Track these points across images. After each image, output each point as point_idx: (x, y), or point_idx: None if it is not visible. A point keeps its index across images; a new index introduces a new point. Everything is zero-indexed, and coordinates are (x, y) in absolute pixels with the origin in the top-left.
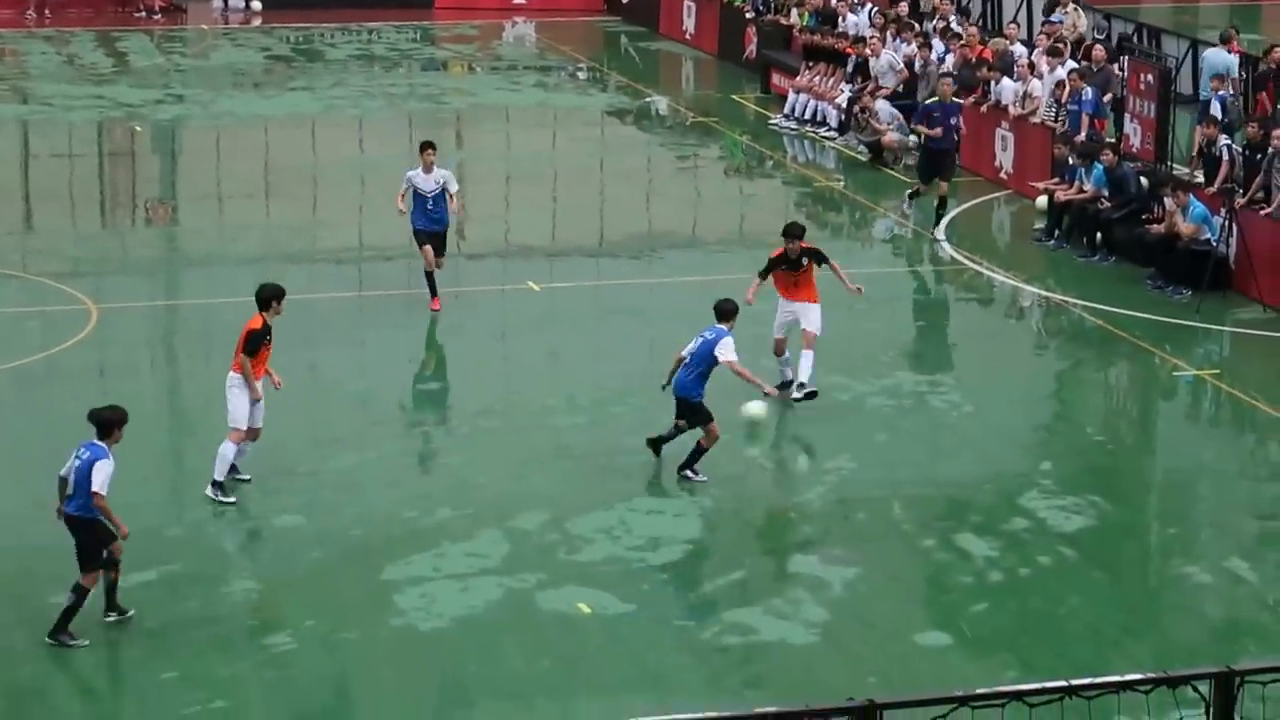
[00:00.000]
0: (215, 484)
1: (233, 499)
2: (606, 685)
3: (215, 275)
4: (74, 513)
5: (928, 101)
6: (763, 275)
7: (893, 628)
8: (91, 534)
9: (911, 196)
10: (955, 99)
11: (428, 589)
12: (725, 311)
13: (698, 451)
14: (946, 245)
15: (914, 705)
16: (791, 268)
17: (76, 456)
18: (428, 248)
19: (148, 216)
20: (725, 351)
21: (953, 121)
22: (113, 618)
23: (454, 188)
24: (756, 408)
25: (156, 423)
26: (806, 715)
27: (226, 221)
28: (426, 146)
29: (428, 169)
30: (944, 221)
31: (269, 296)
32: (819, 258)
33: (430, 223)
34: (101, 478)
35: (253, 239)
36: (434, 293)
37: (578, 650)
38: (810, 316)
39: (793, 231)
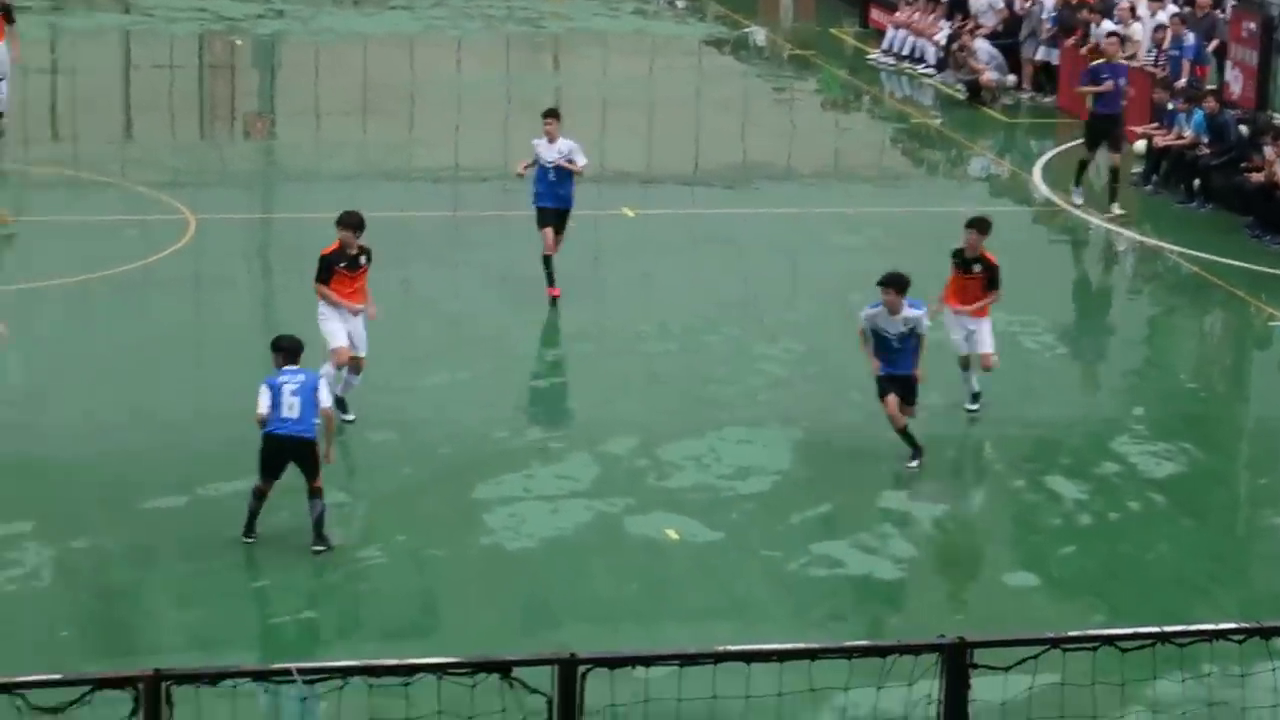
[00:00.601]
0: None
1: (351, 416)
2: (692, 612)
3: (311, 190)
4: (304, 433)
5: (1094, 63)
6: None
7: (979, 566)
8: (313, 449)
9: (1079, 179)
10: (1121, 60)
11: (517, 509)
12: (888, 281)
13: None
14: (1107, 217)
15: (1005, 645)
16: (963, 269)
17: (281, 384)
18: (548, 230)
19: (246, 130)
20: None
21: (1121, 83)
22: (252, 539)
23: (581, 160)
24: None
25: (250, 334)
26: (897, 650)
27: (323, 137)
28: (549, 115)
29: (551, 139)
30: (1117, 195)
31: (338, 223)
32: (993, 281)
33: (553, 199)
34: (329, 394)
35: (349, 156)
36: (551, 280)
37: (664, 576)
38: (983, 337)
39: (977, 225)
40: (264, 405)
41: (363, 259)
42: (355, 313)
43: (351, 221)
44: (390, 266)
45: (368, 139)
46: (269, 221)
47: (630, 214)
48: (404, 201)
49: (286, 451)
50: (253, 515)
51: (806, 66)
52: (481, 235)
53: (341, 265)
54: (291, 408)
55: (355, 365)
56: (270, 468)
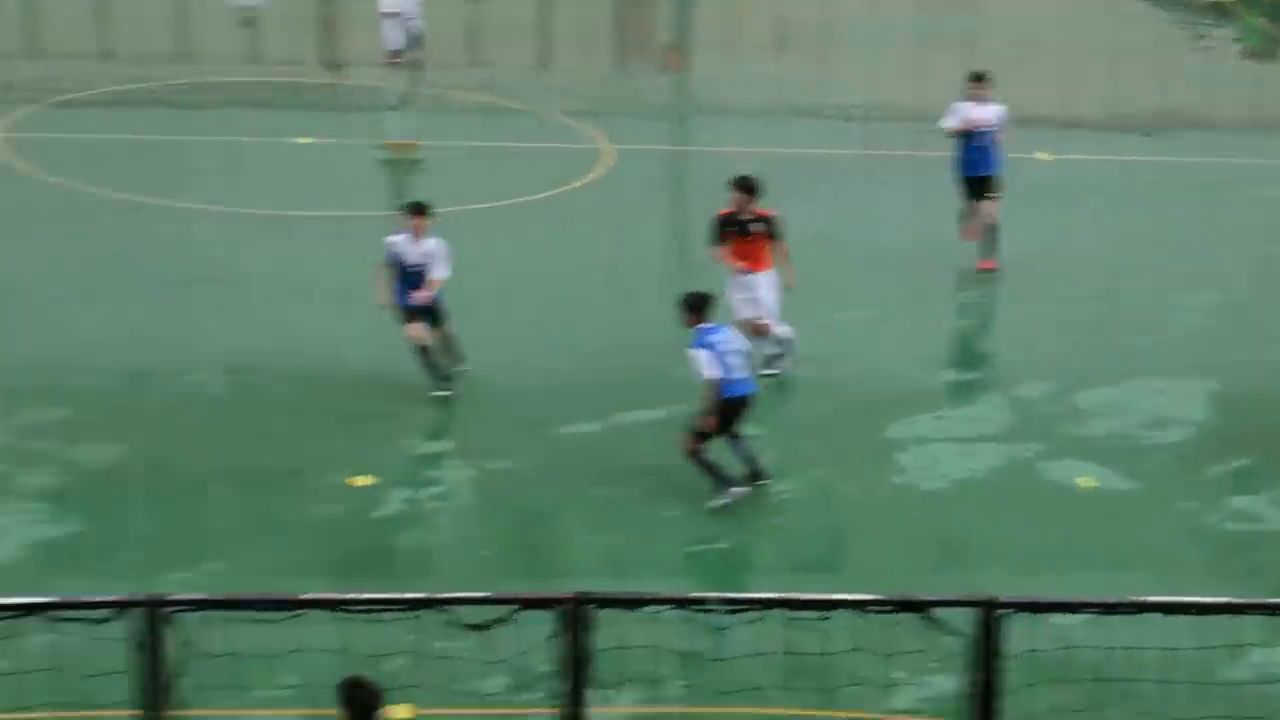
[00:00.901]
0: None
1: (776, 370)
2: (1104, 560)
3: (724, 125)
4: (756, 389)
5: None
6: None
7: None
8: None
9: None
10: None
11: (930, 449)
12: None
13: None
14: None
15: None
16: None
17: (717, 345)
18: (986, 204)
19: (662, 62)
20: None
21: None
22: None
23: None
24: None
25: (664, 267)
26: None
27: (737, 72)
28: (977, 79)
29: (981, 102)
30: None
31: (731, 184)
32: None
33: (983, 165)
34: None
35: (762, 91)
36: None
37: (1076, 523)
38: None
39: None
40: (713, 370)
41: (754, 225)
42: (745, 274)
43: (743, 185)
44: (802, 203)
45: (781, 74)
46: (682, 155)
47: (1045, 158)
48: (816, 138)
49: (747, 408)
50: (720, 467)
51: (1225, 14)
52: (893, 174)
53: (731, 229)
54: (741, 368)
55: (759, 330)
56: (728, 424)
